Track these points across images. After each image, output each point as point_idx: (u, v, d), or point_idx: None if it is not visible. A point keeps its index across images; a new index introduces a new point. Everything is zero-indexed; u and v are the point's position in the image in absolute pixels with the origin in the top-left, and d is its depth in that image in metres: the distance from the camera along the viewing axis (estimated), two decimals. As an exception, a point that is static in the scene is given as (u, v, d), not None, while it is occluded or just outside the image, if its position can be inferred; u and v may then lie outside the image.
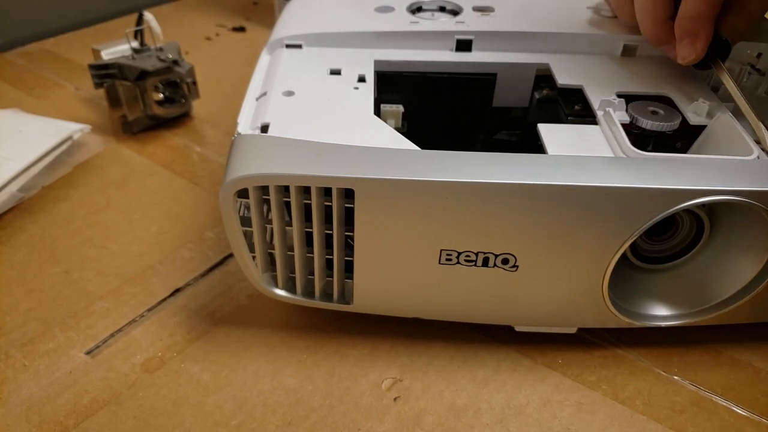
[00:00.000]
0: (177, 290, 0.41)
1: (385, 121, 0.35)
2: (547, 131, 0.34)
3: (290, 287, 0.36)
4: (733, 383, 0.36)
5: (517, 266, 0.32)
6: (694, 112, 0.35)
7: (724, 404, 0.35)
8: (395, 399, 0.35)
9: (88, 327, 0.38)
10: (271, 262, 0.35)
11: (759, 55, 0.40)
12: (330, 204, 0.31)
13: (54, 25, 0.77)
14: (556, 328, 0.37)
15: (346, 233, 0.32)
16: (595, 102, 0.36)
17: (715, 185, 0.29)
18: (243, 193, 0.31)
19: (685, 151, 0.35)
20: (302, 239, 0.33)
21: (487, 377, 0.36)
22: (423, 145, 0.32)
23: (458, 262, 0.32)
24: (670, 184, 0.29)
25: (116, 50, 0.56)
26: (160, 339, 0.38)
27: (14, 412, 0.33)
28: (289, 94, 0.36)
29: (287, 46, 0.42)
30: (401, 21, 0.43)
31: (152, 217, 0.48)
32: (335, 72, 0.39)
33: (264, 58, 0.42)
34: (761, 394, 0.35)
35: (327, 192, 0.31)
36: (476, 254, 0.32)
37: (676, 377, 0.36)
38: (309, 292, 0.36)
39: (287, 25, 0.44)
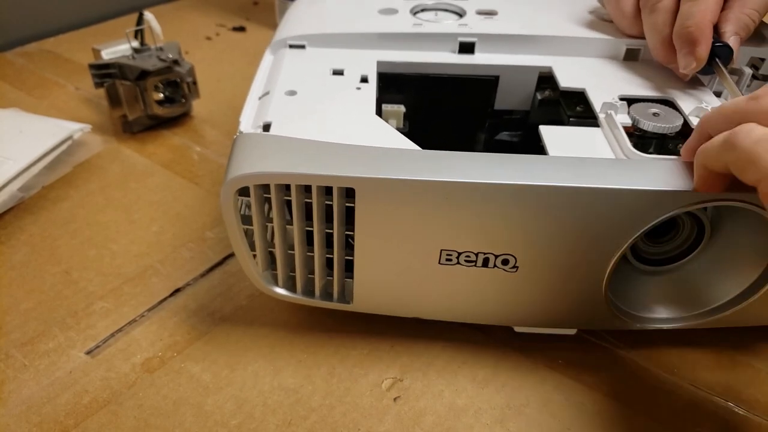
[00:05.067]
0: (177, 290, 0.41)
1: (387, 121, 0.35)
2: (548, 132, 0.34)
3: (290, 286, 0.36)
4: (733, 383, 0.36)
5: (518, 267, 0.32)
6: (696, 115, 0.35)
7: (724, 404, 0.35)
8: (395, 399, 0.35)
9: (88, 327, 0.38)
10: (271, 261, 0.35)
11: (762, 60, 0.40)
12: (331, 203, 0.31)
13: (54, 25, 0.77)
14: (556, 329, 0.37)
15: (347, 232, 0.32)
16: (597, 104, 0.36)
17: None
18: (244, 192, 0.31)
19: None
20: (303, 238, 0.33)
21: (487, 377, 0.36)
22: (424, 145, 0.32)
23: (458, 263, 0.32)
24: (671, 187, 0.29)
25: (116, 50, 0.56)
26: (160, 339, 0.38)
27: (14, 412, 0.33)
28: (292, 93, 0.36)
29: (290, 46, 0.42)
30: (404, 23, 0.43)
31: (152, 217, 0.48)
32: (338, 72, 0.39)
33: (267, 58, 0.42)
34: (761, 394, 0.35)
35: (328, 191, 0.31)
36: (476, 255, 0.32)
37: (675, 378, 0.36)
38: (309, 291, 0.36)
39: (291, 25, 0.45)
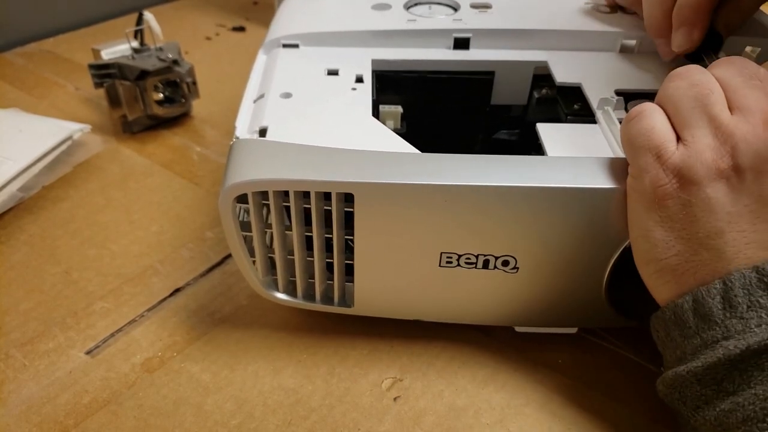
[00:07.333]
0: (177, 290, 0.41)
1: (384, 123, 0.35)
2: (545, 131, 0.34)
3: (291, 291, 0.36)
4: (732, 384, 0.36)
5: (518, 268, 0.32)
6: None
7: (723, 405, 0.35)
8: (395, 399, 0.35)
9: (88, 327, 0.39)
10: (271, 266, 0.35)
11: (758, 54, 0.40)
12: (330, 208, 0.31)
13: (54, 25, 0.77)
14: (557, 328, 0.37)
15: (346, 237, 0.32)
16: (593, 100, 0.36)
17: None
18: (242, 199, 0.31)
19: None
20: (302, 243, 0.33)
21: (487, 377, 0.36)
22: (422, 145, 0.32)
23: (459, 265, 0.32)
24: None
25: (116, 50, 0.56)
26: (160, 339, 0.38)
27: (14, 412, 0.34)
28: (287, 96, 0.36)
29: (284, 45, 0.42)
30: (398, 18, 0.43)
31: (152, 217, 0.48)
32: (332, 72, 0.39)
33: (261, 59, 0.42)
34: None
35: (327, 196, 0.31)
36: (476, 256, 0.32)
37: (675, 378, 0.36)
38: (310, 296, 0.36)
39: (284, 24, 0.44)
